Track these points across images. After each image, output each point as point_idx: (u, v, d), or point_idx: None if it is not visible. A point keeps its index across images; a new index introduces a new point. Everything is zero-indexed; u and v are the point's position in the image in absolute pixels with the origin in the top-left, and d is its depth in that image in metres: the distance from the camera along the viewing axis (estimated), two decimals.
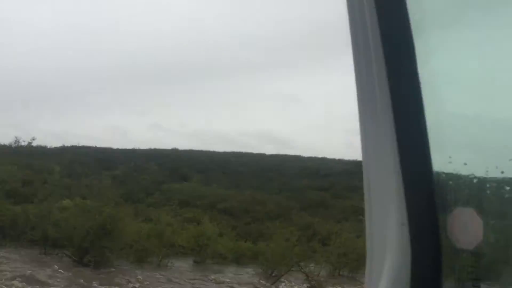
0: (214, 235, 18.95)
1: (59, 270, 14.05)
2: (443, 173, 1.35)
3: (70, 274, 13.94)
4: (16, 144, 44.04)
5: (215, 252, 18.70)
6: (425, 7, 1.47)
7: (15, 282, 12.01)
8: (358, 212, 16.86)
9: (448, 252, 1.24)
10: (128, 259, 16.55)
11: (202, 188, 35.51)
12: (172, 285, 14.28)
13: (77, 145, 49.99)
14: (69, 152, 46.21)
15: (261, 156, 49.56)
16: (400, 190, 1.35)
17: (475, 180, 1.36)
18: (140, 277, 14.47)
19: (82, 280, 13.32)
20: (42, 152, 44.25)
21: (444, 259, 1.27)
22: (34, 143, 45.18)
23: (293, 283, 16.86)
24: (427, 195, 1.34)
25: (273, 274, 16.93)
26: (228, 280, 16.00)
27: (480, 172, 1.37)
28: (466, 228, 1.28)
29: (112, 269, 15.26)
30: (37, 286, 12.21)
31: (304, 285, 16.60)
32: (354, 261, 17.22)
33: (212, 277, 15.98)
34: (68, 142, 55.21)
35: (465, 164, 1.36)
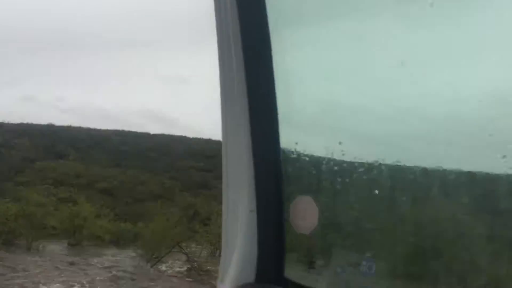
0: (91, 215, 18.20)
1: None
2: (291, 163, 1.48)
3: None
4: None
5: (91, 234, 17.98)
6: (282, 7, 1.57)
7: None
8: None
9: (291, 236, 1.37)
10: None
11: (80, 167, 33.70)
12: (39, 269, 13.50)
13: None
14: None
15: (145, 136, 48.30)
16: (251, 177, 1.45)
17: (318, 170, 1.51)
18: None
19: None
20: None
21: (288, 243, 1.40)
22: None
23: (174, 265, 16.85)
24: (275, 184, 1.45)
25: (154, 256, 16.77)
26: (106, 263, 15.53)
27: (324, 161, 1.51)
28: (304, 214, 1.42)
29: None
30: None
31: (185, 266, 16.68)
32: None
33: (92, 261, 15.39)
34: None
35: (312, 155, 1.49)
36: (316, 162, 1.53)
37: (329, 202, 1.54)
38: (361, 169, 1.56)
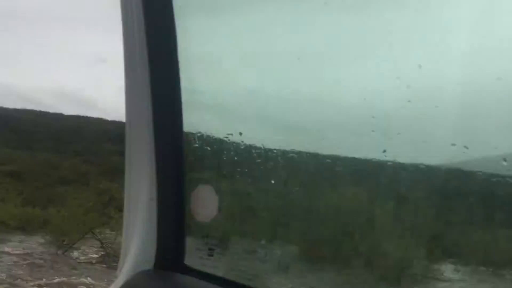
0: None
1: None
2: (194, 150, 1.49)
3: None
4: None
5: None
6: None
7: None
8: None
9: (191, 224, 1.39)
10: None
11: None
12: None
13: None
14: None
15: (59, 117, 45.87)
16: (152, 165, 1.44)
17: (221, 157, 1.53)
18: None
19: None
20: None
21: (188, 231, 1.41)
22: None
23: (87, 251, 16.29)
24: (177, 171, 1.46)
25: (65, 242, 16.07)
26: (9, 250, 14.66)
27: (229, 148, 1.54)
28: (205, 203, 1.44)
29: None
30: None
31: (100, 252, 16.19)
32: None
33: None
34: None
35: (216, 141, 1.51)
36: (220, 149, 1.56)
37: (231, 190, 1.58)
38: (265, 156, 1.61)
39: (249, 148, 1.56)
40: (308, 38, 1.34)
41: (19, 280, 11.64)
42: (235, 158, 1.51)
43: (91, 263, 15.42)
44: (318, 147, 1.57)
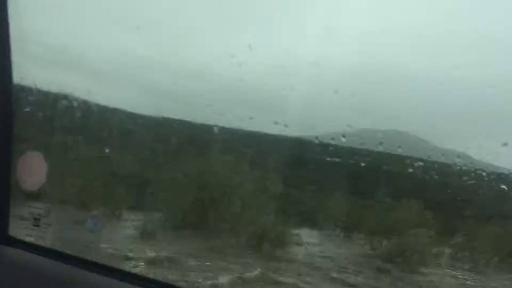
0: None
1: None
2: (24, 115, 1.37)
3: None
4: None
5: None
6: None
7: None
8: None
9: (16, 193, 1.28)
10: None
11: None
12: None
13: None
14: None
15: None
16: None
17: (57, 121, 1.43)
18: None
19: None
20: None
21: (13, 201, 1.30)
22: None
23: None
24: (1, 139, 1.32)
25: None
26: None
27: (78, 111, 1.44)
28: (32, 170, 1.33)
29: None
30: None
31: None
32: None
33: None
34: None
35: (59, 105, 1.39)
36: (55, 112, 1.45)
37: (78, 155, 1.49)
38: (127, 121, 1.54)
39: (111, 110, 1.48)
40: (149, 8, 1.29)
41: None
42: (90, 120, 1.42)
43: None
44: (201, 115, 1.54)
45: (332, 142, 8.80)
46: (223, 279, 5.87)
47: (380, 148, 9.21)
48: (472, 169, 8.90)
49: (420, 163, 8.85)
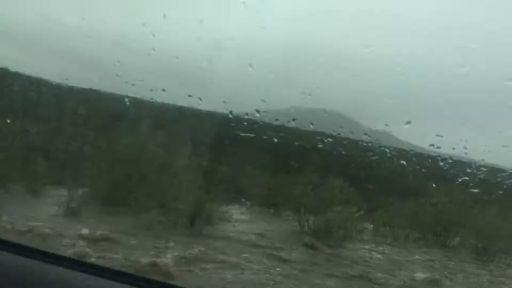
0: None
1: None
2: None
3: None
4: None
5: None
6: None
7: None
8: None
9: None
10: None
11: None
12: None
13: None
14: None
15: None
16: None
17: None
18: None
19: None
20: None
21: None
22: None
23: None
24: None
25: None
26: None
27: None
28: None
29: None
30: None
31: None
32: None
33: None
34: None
35: None
36: None
37: None
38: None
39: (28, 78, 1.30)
40: None
41: None
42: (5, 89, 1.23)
43: None
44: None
45: (247, 117, 8.79)
46: (166, 258, 5.72)
47: (293, 124, 9.40)
48: (377, 146, 9.47)
49: (330, 139, 9.18)
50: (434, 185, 10.32)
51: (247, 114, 8.86)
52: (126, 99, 9.80)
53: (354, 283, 6.44)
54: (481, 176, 7.84)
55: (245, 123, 9.22)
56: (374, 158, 9.61)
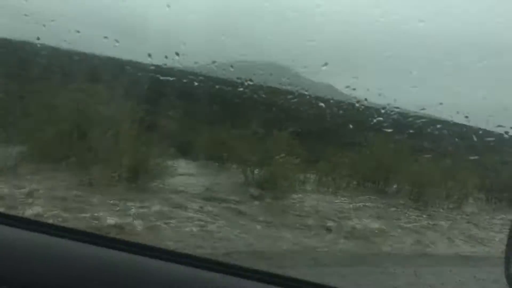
0: None
1: None
2: None
3: None
4: None
5: None
6: None
7: None
8: None
9: None
10: None
11: None
12: None
13: None
14: None
15: None
16: None
17: None
18: None
19: None
20: None
21: None
22: None
23: None
24: None
25: None
26: None
27: None
28: None
29: None
30: None
31: None
32: None
33: None
34: None
35: None
36: None
37: None
38: None
39: None
40: None
41: None
42: None
43: None
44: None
45: (166, 61, 8.41)
46: (125, 216, 5.44)
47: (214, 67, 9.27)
48: (295, 89, 9.68)
49: (250, 82, 9.19)
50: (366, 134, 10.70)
51: (166, 57, 8.40)
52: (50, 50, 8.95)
53: (313, 234, 6.56)
54: (394, 117, 8.18)
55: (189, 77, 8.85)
56: (293, 100, 9.73)
